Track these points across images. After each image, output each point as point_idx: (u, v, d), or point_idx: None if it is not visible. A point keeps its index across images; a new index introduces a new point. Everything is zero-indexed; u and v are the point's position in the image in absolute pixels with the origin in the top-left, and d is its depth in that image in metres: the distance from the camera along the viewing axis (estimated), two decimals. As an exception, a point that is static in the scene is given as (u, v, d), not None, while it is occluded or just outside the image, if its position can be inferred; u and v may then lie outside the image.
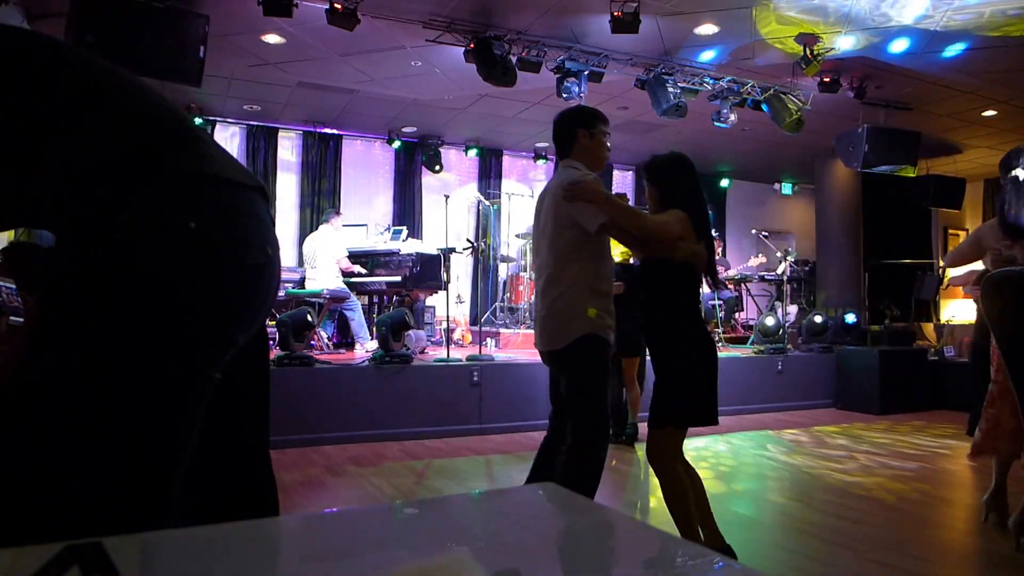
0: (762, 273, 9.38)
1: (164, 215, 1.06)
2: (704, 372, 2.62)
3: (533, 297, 2.85)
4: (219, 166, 1.17)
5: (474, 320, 9.44)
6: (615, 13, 5.74)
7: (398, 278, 7.59)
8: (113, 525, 0.97)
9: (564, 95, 6.80)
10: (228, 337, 1.15)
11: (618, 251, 5.11)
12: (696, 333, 2.66)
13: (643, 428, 3.56)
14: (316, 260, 7.24)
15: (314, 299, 7.04)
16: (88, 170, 1.06)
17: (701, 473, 2.76)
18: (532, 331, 8.50)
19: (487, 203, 9.66)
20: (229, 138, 9.29)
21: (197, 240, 1.07)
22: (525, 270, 8.69)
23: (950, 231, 12.02)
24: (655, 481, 2.71)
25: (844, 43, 6.49)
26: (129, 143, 1.10)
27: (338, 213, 7.81)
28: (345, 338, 7.66)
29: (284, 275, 7.81)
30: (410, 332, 6.10)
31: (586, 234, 2.68)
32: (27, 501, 0.98)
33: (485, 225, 10.23)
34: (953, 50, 6.50)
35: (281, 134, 9.54)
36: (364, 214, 9.68)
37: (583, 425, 2.67)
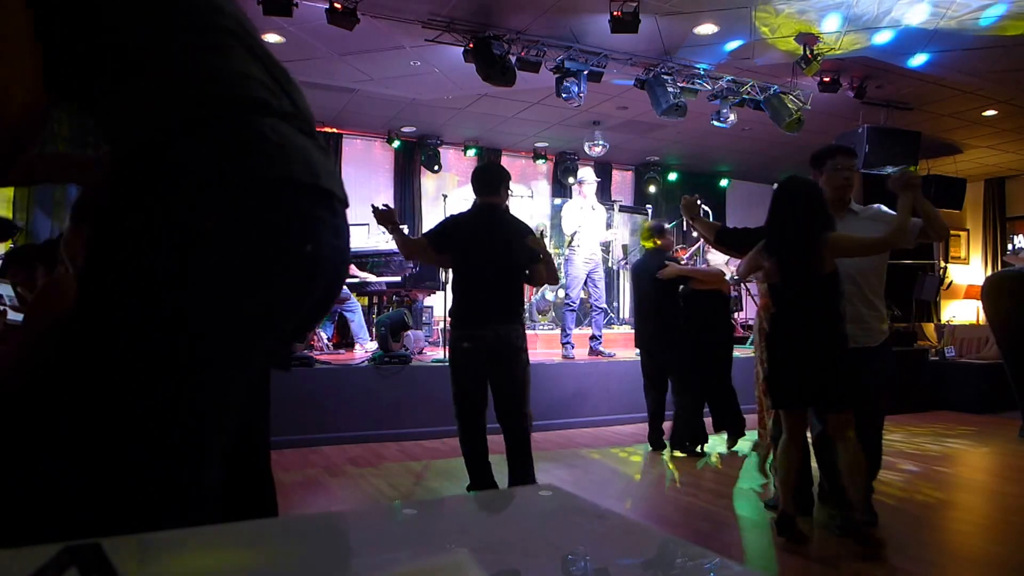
0: (762, 273, 9.37)
1: (243, 217, 0.98)
2: None
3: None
4: (292, 163, 1.04)
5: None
6: (614, 13, 5.74)
7: (397, 278, 7.60)
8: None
9: (564, 95, 6.80)
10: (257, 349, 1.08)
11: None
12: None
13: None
14: (315, 260, 7.23)
15: (313, 299, 7.02)
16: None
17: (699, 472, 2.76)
18: (531, 331, 8.41)
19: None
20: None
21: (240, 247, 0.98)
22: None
23: (951, 231, 12.06)
24: (654, 481, 2.71)
25: (844, 43, 6.49)
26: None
27: None
28: (344, 339, 7.65)
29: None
30: (409, 332, 6.11)
31: None
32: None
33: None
34: (950, 51, 6.50)
35: (281, 134, 9.53)
36: (364, 214, 9.65)
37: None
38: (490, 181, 3.69)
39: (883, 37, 6.30)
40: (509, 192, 3.76)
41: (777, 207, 3.07)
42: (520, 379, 3.55)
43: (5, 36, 0.94)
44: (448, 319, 3.83)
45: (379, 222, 3.63)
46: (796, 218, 2.98)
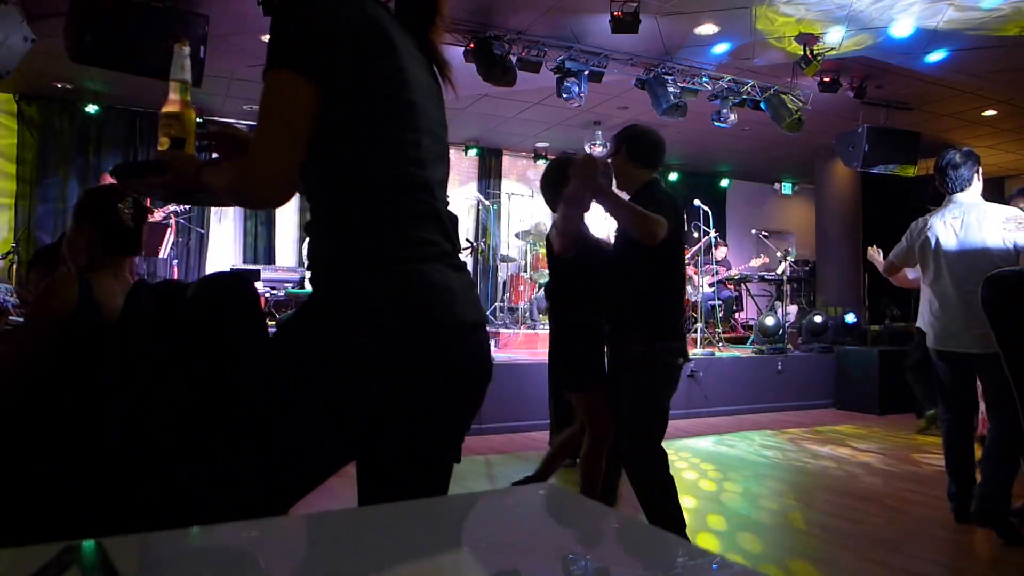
0: (762, 273, 9.38)
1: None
2: None
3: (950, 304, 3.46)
4: None
5: (474, 320, 9.42)
6: (615, 13, 5.73)
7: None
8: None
9: (564, 95, 6.80)
10: None
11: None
12: None
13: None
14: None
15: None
16: None
17: (699, 473, 2.76)
18: (532, 331, 8.40)
19: (487, 203, 9.65)
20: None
21: None
22: (525, 270, 8.68)
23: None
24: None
25: (844, 43, 6.49)
26: None
27: None
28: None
29: (284, 275, 7.81)
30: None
31: None
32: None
33: (485, 225, 10.23)
34: (942, 53, 6.50)
35: (281, 134, 9.51)
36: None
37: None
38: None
39: (888, 39, 6.30)
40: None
41: None
42: None
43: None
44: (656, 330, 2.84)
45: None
46: None
